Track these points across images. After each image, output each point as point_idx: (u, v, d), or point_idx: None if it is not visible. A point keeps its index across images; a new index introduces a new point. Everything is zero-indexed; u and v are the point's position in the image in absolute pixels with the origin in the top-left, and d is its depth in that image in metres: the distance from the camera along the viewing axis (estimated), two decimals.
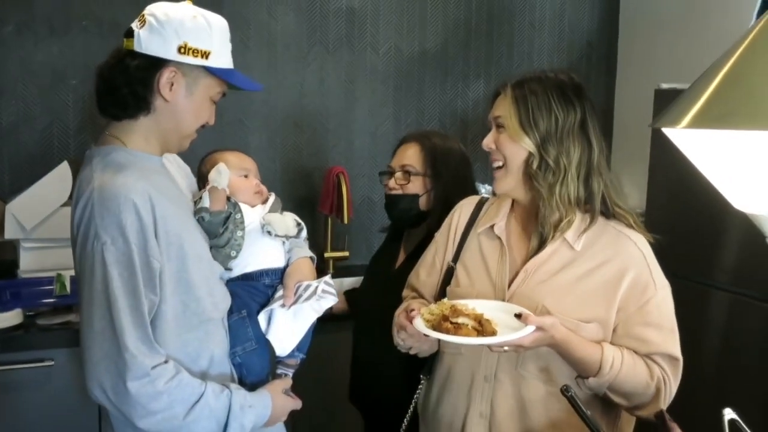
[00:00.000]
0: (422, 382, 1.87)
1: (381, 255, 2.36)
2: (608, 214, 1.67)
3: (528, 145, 1.62)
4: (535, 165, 1.62)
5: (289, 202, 3.20)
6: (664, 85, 2.75)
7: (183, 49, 1.56)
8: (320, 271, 2.97)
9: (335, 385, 2.40)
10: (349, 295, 2.52)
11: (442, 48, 3.42)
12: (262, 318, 1.74)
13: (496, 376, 1.68)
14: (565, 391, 1.41)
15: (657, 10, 3.51)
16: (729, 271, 2.62)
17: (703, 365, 2.61)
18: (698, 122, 1.01)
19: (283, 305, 1.75)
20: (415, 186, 2.15)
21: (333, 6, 3.23)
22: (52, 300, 2.47)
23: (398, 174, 2.17)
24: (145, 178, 1.55)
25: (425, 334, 1.55)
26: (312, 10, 3.19)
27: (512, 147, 1.65)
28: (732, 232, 2.59)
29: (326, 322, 1.95)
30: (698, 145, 1.05)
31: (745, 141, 1.00)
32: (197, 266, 1.60)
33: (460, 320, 1.50)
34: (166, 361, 1.51)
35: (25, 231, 2.57)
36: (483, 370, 1.69)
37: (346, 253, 3.23)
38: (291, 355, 1.82)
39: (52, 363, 2.35)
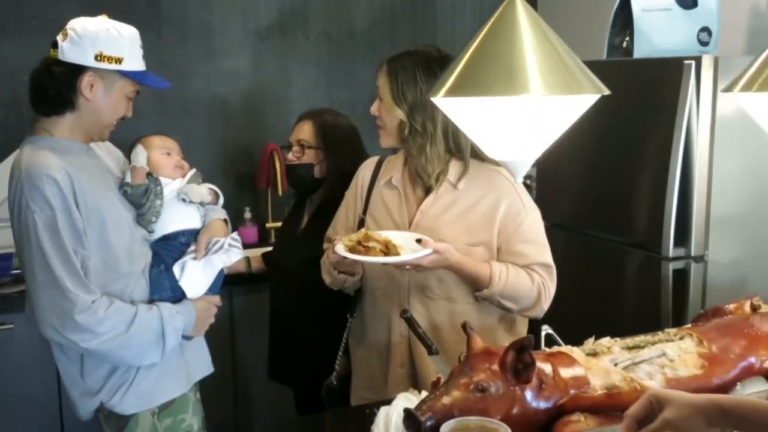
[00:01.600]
0: (349, 320, 2.22)
1: (288, 219, 2.70)
2: (483, 158, 2.01)
3: (399, 114, 1.98)
4: (406, 131, 1.97)
5: (231, 177, 3.53)
6: None
7: (99, 57, 1.91)
8: (264, 240, 3.31)
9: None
10: (265, 255, 2.84)
11: (368, 31, 3.72)
12: (176, 268, 2.06)
13: (410, 302, 2.04)
14: (402, 314, 1.75)
15: None
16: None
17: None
18: (453, 92, 1.32)
19: (194, 258, 2.07)
20: (309, 157, 2.49)
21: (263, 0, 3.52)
22: (10, 273, 2.79)
23: (295, 148, 2.51)
24: (65, 159, 1.89)
25: (343, 257, 1.90)
26: (244, 3, 3.49)
27: (388, 115, 2.02)
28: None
29: (246, 282, 2.27)
30: (455, 109, 1.36)
31: (494, 104, 1.31)
32: (116, 230, 1.95)
33: (371, 244, 1.85)
34: (100, 296, 1.87)
35: None
36: (398, 298, 2.06)
37: None
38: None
39: (12, 326, 2.68)
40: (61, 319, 1.84)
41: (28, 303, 1.92)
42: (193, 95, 3.43)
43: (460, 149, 2.01)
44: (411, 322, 1.75)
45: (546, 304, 2.02)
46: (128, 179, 2.04)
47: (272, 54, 3.57)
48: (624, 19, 2.81)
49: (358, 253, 1.89)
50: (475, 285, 1.99)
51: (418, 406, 1.47)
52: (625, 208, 2.80)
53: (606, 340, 1.77)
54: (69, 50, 1.90)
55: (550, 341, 1.79)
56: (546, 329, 1.79)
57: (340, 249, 1.92)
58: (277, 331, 2.64)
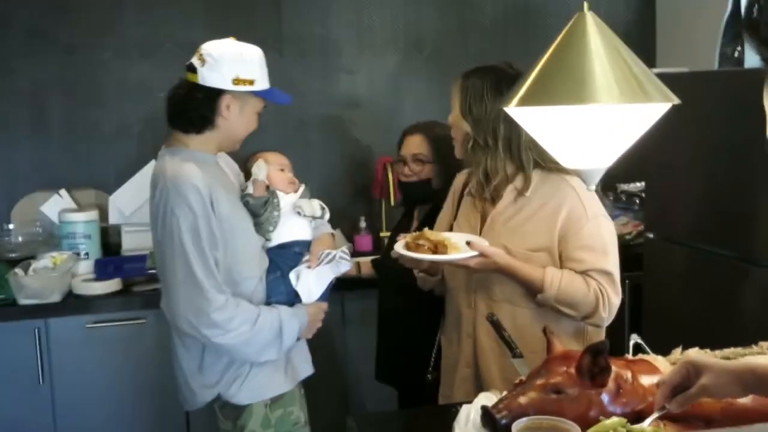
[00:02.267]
0: (442, 320, 2.34)
1: (398, 227, 2.80)
2: (550, 170, 2.07)
3: (465, 127, 2.05)
4: (469, 144, 2.05)
5: (348, 188, 3.69)
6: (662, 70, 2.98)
7: (236, 81, 2.11)
8: (378, 248, 3.44)
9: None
10: (374, 261, 2.96)
11: (480, 47, 3.79)
12: (292, 275, 2.26)
13: (476, 304, 2.13)
14: (489, 317, 1.82)
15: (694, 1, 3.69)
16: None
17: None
18: (525, 102, 1.38)
19: (308, 267, 2.26)
20: (426, 171, 2.59)
21: (378, 15, 3.67)
22: (145, 272, 3.04)
23: (412, 163, 2.61)
24: (203, 169, 2.10)
25: (398, 253, 2.03)
26: (360, 20, 3.65)
27: (456, 127, 2.13)
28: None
29: (356, 285, 2.42)
30: (528, 119, 1.42)
31: (565, 113, 1.36)
32: (242, 237, 2.16)
33: (420, 242, 1.96)
34: (230, 296, 2.08)
35: (124, 217, 3.17)
36: (466, 300, 2.16)
37: None
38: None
39: (144, 321, 2.93)
40: (197, 315, 2.04)
41: (165, 298, 2.13)
42: (311, 110, 3.61)
43: (522, 162, 2.07)
44: (496, 326, 1.81)
45: (605, 312, 2.02)
46: (250, 190, 2.24)
47: (386, 70, 3.71)
48: (735, 29, 2.75)
49: (410, 250, 2.01)
50: (529, 290, 2.03)
51: (495, 405, 1.53)
52: (740, 222, 2.72)
53: (693, 351, 1.76)
54: (209, 76, 2.10)
55: (639, 350, 1.79)
56: (635, 338, 1.80)
57: (399, 246, 2.04)
58: (384, 333, 2.76)
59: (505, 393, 1.61)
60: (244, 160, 2.39)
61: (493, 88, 2.06)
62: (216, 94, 2.11)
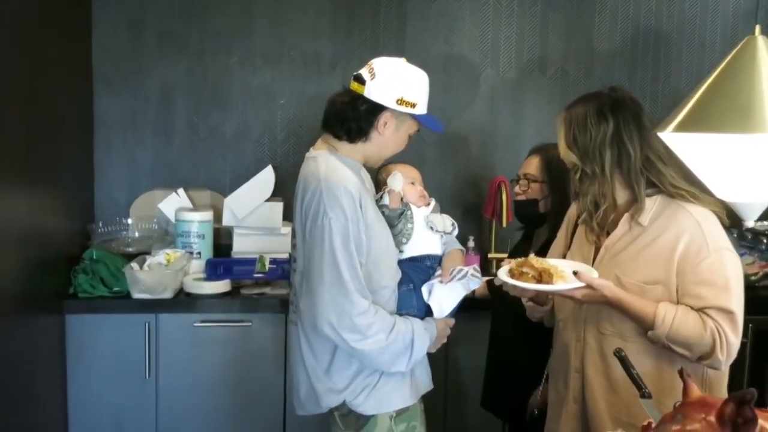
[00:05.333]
0: (551, 352, 2.25)
1: (515, 251, 2.72)
2: (671, 194, 1.96)
3: (572, 157, 2.00)
4: (577, 175, 1.98)
5: (458, 207, 3.63)
6: None
7: (400, 101, 2.13)
8: (485, 270, 3.38)
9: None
10: (490, 283, 2.87)
11: (607, 69, 3.67)
12: (425, 289, 2.25)
13: (585, 337, 2.04)
14: (617, 352, 1.72)
15: None
16: None
17: None
18: (682, 128, 1.30)
19: (441, 281, 2.24)
20: (534, 191, 2.51)
21: (503, 34, 3.61)
22: (254, 275, 3.06)
23: (522, 181, 2.54)
24: (355, 175, 2.12)
25: (502, 280, 1.96)
26: (484, 39, 3.60)
27: (565, 159, 2.05)
28: None
29: (469, 307, 2.40)
30: (684, 145, 1.33)
31: (727, 141, 1.27)
32: (383, 246, 2.17)
33: (525, 269, 1.87)
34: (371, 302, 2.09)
35: (237, 220, 3.21)
36: (575, 333, 2.07)
37: (507, 255, 3.57)
38: None
39: (250, 324, 2.95)
40: (340, 317, 2.05)
41: (308, 299, 2.12)
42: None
43: (634, 187, 1.98)
44: (624, 362, 1.70)
45: (722, 355, 1.87)
46: (385, 201, 2.24)
47: (508, 89, 3.64)
48: None
49: (513, 277, 1.93)
50: (640, 325, 1.92)
51: None
52: None
53: None
54: (375, 90, 2.11)
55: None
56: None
57: (502, 273, 1.97)
58: (493, 360, 2.68)
59: None
60: (374, 171, 2.39)
61: (596, 114, 1.98)
62: (378, 109, 2.13)
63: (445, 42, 3.57)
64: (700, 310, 1.88)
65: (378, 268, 2.14)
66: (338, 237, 2.04)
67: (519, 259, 1.98)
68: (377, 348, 2.08)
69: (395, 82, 2.11)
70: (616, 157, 1.96)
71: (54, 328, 2.79)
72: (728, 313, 1.87)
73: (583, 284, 1.86)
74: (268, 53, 3.46)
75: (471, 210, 3.65)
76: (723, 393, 1.98)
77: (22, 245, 2.39)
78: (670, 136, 1.33)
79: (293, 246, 2.27)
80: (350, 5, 3.49)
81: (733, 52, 1.29)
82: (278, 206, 3.24)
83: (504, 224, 3.41)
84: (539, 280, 1.89)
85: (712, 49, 3.70)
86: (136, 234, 3.30)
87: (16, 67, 2.30)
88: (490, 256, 3.55)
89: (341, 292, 2.04)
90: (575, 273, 1.88)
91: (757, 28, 1.29)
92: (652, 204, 1.98)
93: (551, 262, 1.95)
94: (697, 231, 1.91)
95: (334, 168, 2.11)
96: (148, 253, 3.06)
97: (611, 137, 1.97)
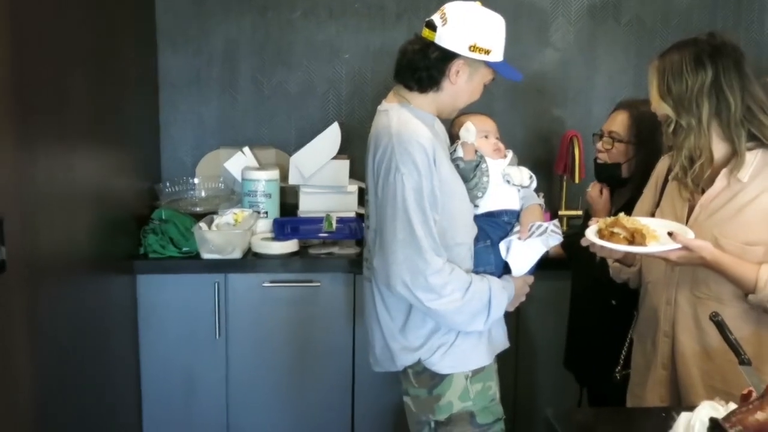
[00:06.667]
0: (635, 315, 2.16)
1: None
2: None
3: (666, 109, 1.87)
4: (671, 128, 1.86)
5: (527, 163, 3.49)
6: None
7: (472, 48, 2.02)
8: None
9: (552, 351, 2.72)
10: (564, 243, 2.77)
11: (685, 17, 3.47)
12: (502, 246, 2.17)
13: (676, 300, 1.93)
14: (713, 316, 1.62)
15: None
16: None
17: None
18: None
19: (519, 238, 2.15)
20: (618, 151, 2.37)
21: None
22: (322, 235, 3.01)
23: (605, 138, 2.40)
24: (428, 129, 2.04)
25: (590, 240, 1.85)
26: None
27: (658, 111, 1.93)
28: None
29: (547, 266, 2.31)
30: None
31: None
32: (459, 201, 2.09)
33: (615, 230, 1.76)
34: (446, 260, 2.02)
35: (304, 178, 3.16)
36: (665, 294, 1.96)
37: (580, 212, 3.45)
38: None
39: (319, 284, 2.91)
40: (414, 276, 1.98)
41: (381, 257, 2.06)
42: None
43: (734, 140, 1.85)
44: (721, 327, 1.60)
45: None
46: (459, 154, 2.15)
47: (581, 38, 3.48)
48: None
49: (602, 237, 1.82)
50: (740, 287, 1.80)
51: (727, 418, 1.35)
52: None
53: None
54: (447, 37, 2.01)
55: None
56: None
57: (590, 233, 1.85)
58: (575, 321, 2.60)
59: (733, 406, 1.43)
60: (448, 123, 2.30)
61: (693, 60, 1.85)
62: (450, 56, 2.03)
63: None
64: None
65: (453, 224, 2.07)
66: (411, 193, 1.97)
67: (608, 219, 1.87)
68: (453, 308, 2.02)
69: (468, 28, 2.00)
70: (714, 108, 1.84)
71: (125, 289, 2.80)
72: None
73: (679, 245, 1.74)
74: (332, 6, 3.36)
75: (541, 165, 3.51)
76: None
77: (92, 206, 2.38)
78: None
79: (366, 202, 2.21)
80: None
81: None
82: (344, 164, 3.18)
83: (576, 180, 3.28)
84: (631, 242, 1.78)
85: None
86: (203, 193, 3.28)
87: (82, 26, 2.27)
88: (560, 213, 3.45)
89: (415, 250, 1.98)
90: (670, 234, 1.77)
91: None
92: (752, 158, 1.85)
93: (642, 222, 1.84)
94: None
95: (405, 121, 2.03)
96: (215, 213, 3.03)
97: (710, 86, 1.83)
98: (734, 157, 1.86)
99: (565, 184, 3.44)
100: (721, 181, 1.88)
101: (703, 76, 1.83)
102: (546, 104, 3.53)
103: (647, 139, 2.31)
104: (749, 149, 1.85)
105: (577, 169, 3.26)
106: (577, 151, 3.26)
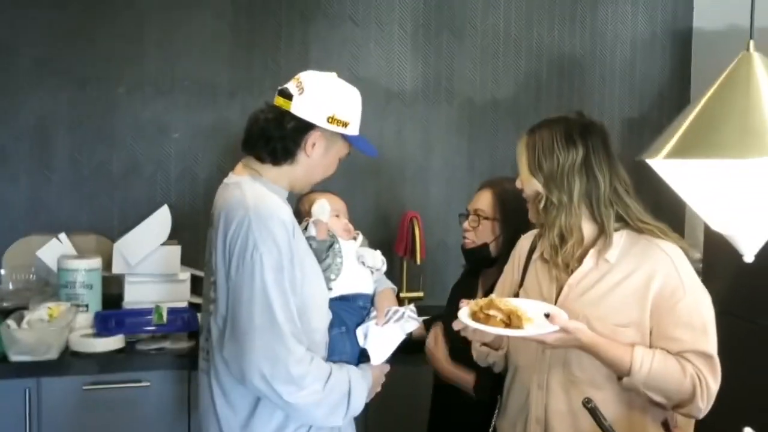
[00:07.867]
0: (498, 400, 2.07)
1: (460, 288, 2.52)
2: (638, 230, 1.84)
3: (536, 185, 1.85)
4: (541, 204, 1.84)
5: (369, 244, 3.43)
6: None
7: (330, 120, 1.90)
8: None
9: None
10: (428, 323, 2.68)
11: (513, 100, 3.61)
12: (360, 332, 2.02)
13: (548, 385, 1.86)
14: (586, 403, 1.56)
15: (729, 60, 3.58)
16: None
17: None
18: (677, 154, 1.16)
19: (376, 323, 2.02)
20: (485, 228, 2.33)
21: (409, 65, 3.48)
22: (150, 328, 2.74)
23: (471, 217, 2.36)
24: (285, 203, 1.88)
25: (463, 324, 1.74)
26: (390, 69, 3.46)
27: (527, 187, 1.90)
28: None
29: (407, 350, 2.17)
30: (677, 174, 1.20)
31: (727, 168, 1.15)
32: (314, 282, 1.92)
33: (491, 312, 1.68)
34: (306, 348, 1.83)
35: (129, 267, 2.89)
36: (537, 379, 1.89)
37: (421, 294, 3.41)
38: None
39: (149, 384, 2.62)
40: (274, 366, 1.77)
41: (233, 346, 1.82)
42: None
43: (602, 220, 1.85)
44: (594, 413, 1.55)
45: (703, 402, 1.73)
46: (312, 232, 2.01)
47: (415, 120, 3.51)
48: None
49: (478, 320, 1.73)
50: (614, 370, 1.77)
51: None
52: None
53: None
54: (304, 106, 1.89)
55: None
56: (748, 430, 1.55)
57: (463, 314, 1.76)
58: (437, 404, 2.48)
59: None
60: (298, 200, 2.19)
61: (564, 137, 1.84)
62: (307, 127, 1.90)
63: (350, 70, 3.40)
64: (678, 354, 1.74)
65: (309, 306, 1.89)
66: (271, 273, 1.78)
67: (480, 300, 1.79)
68: (312, 401, 1.82)
69: (326, 98, 1.90)
70: (584, 186, 1.83)
71: None
72: (707, 357, 1.74)
73: (556, 328, 1.69)
74: (159, 82, 3.17)
75: (380, 246, 3.40)
76: None
77: None
78: (659, 164, 1.19)
79: (210, 285, 1.96)
80: (250, 29, 3.27)
81: (727, 70, 1.17)
82: (176, 250, 2.94)
83: (418, 261, 3.24)
84: (507, 324, 1.70)
85: (612, 81, 3.72)
86: (11, 286, 2.95)
87: None
88: (401, 295, 3.38)
89: (275, 336, 1.77)
90: (547, 315, 1.72)
91: (751, 44, 1.18)
92: (618, 239, 1.84)
93: (513, 303, 1.78)
94: (671, 269, 1.78)
95: (261, 196, 1.86)
96: (25, 308, 2.69)
97: (581, 164, 1.83)
98: (602, 237, 1.85)
99: (405, 265, 3.39)
100: (588, 261, 1.85)
101: (574, 153, 1.83)
102: (384, 185, 3.50)
103: (512, 216, 2.29)
104: (615, 230, 1.85)
105: (419, 249, 3.23)
106: (417, 232, 3.23)
